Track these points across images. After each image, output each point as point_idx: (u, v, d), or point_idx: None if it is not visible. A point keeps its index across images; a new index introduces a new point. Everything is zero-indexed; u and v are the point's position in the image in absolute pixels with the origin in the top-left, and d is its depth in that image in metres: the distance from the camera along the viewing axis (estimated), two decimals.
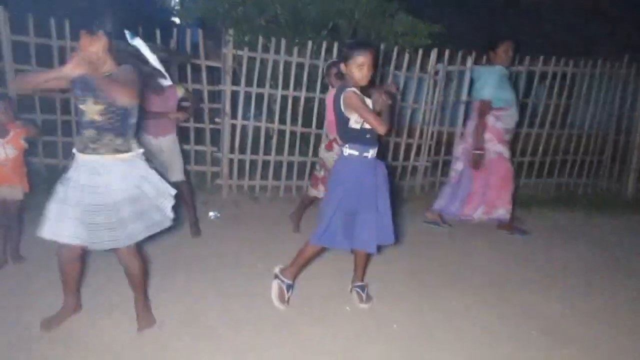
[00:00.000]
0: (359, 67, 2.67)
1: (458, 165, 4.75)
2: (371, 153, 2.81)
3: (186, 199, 4.11)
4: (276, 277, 3.01)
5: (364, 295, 3.11)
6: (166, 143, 3.95)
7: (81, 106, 2.32)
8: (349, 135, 2.81)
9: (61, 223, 2.34)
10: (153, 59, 2.53)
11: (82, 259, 2.60)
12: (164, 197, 2.52)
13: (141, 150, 2.52)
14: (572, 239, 4.76)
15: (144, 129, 3.76)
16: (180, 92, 3.99)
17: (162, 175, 2.66)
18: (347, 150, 2.82)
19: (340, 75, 2.86)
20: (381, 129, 2.62)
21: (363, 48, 2.69)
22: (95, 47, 2.26)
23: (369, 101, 2.73)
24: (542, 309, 3.24)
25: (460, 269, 3.82)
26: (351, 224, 2.81)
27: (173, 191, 2.58)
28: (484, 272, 3.79)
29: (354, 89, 2.69)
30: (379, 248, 2.97)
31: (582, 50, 8.59)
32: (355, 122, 2.73)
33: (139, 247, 2.62)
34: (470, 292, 3.39)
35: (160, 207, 2.51)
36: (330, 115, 3.85)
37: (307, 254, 2.99)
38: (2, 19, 4.59)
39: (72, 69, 2.13)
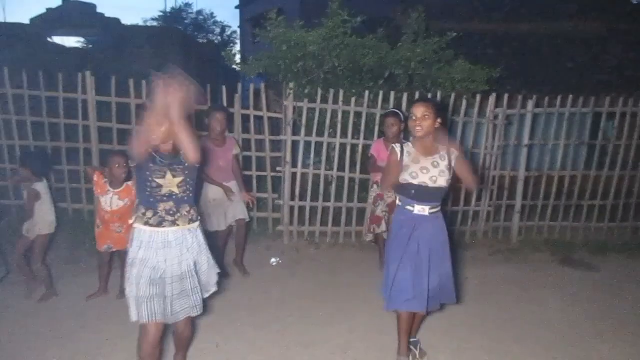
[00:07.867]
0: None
1: None
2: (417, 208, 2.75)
3: (243, 238, 4.47)
4: None
5: (416, 352, 3.01)
6: (232, 187, 4.26)
7: (158, 180, 2.31)
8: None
9: (149, 303, 2.27)
10: None
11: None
12: (214, 271, 2.57)
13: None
14: None
15: (211, 177, 4.10)
16: (236, 148, 4.36)
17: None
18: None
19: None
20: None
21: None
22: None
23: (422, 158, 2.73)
24: None
25: (529, 322, 3.64)
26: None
27: (218, 269, 2.61)
28: (555, 326, 3.59)
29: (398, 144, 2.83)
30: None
31: None
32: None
33: None
34: (540, 348, 3.23)
35: (211, 280, 2.58)
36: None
37: (399, 325, 2.85)
38: (89, 83, 5.13)
39: None
